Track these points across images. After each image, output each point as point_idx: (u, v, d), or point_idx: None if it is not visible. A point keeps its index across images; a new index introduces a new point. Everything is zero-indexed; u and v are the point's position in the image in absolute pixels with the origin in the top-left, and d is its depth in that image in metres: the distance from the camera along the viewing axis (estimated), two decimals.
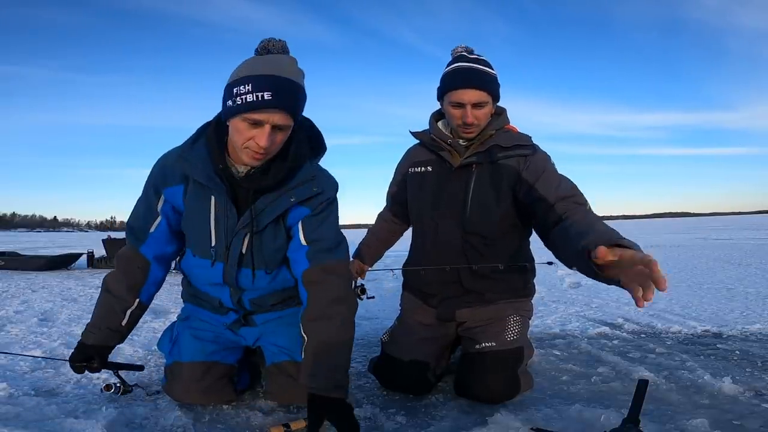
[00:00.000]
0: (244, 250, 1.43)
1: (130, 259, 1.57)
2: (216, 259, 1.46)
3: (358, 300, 1.78)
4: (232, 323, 1.70)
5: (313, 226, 1.41)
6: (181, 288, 1.84)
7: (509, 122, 1.78)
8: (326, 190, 1.44)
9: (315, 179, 1.41)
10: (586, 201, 1.54)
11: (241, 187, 1.37)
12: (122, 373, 1.69)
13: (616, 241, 1.07)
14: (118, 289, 1.56)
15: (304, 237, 1.41)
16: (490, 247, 1.77)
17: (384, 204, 2.15)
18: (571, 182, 1.61)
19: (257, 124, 1.21)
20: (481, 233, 1.75)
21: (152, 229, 1.52)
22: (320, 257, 1.40)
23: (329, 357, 1.32)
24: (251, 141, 1.23)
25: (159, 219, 1.50)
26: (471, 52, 1.69)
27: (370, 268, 2.12)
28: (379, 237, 2.13)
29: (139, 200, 1.53)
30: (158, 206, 1.48)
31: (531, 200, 1.61)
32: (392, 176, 2.06)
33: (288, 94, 1.21)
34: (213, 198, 1.39)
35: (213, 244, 1.44)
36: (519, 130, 1.79)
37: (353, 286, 1.98)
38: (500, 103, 1.77)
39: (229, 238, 1.41)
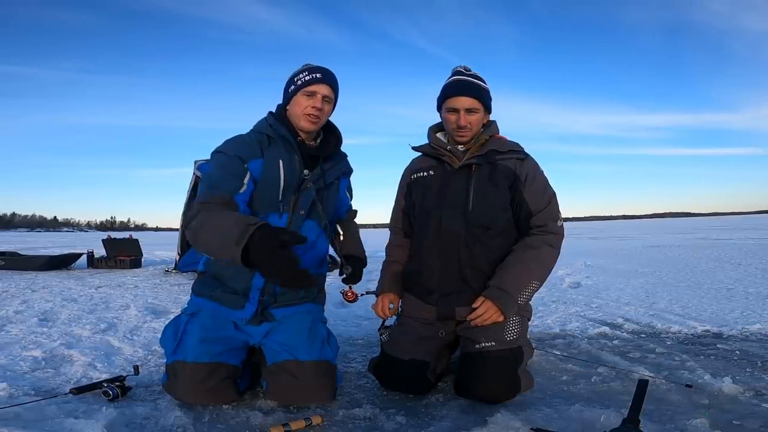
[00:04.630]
0: (312, 202, 1.75)
1: (226, 202, 1.59)
2: (283, 211, 1.71)
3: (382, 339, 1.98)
4: (251, 318, 1.69)
5: (351, 195, 2.05)
6: (180, 289, 1.84)
7: (499, 132, 1.93)
8: (350, 165, 1.99)
9: (347, 157, 1.96)
10: (550, 222, 1.82)
11: (307, 156, 1.76)
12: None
13: (486, 293, 1.74)
14: (222, 206, 1.56)
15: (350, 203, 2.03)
16: (492, 239, 1.82)
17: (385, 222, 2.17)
18: (552, 194, 1.86)
19: (312, 94, 1.70)
20: (484, 224, 1.81)
21: (241, 191, 1.66)
22: (350, 212, 2.08)
23: (358, 240, 2.04)
24: (308, 107, 1.70)
25: (245, 187, 1.67)
26: (468, 69, 1.89)
27: (401, 298, 1.99)
28: (399, 262, 2.04)
29: (213, 174, 1.66)
30: (245, 179, 1.67)
31: (519, 200, 1.83)
32: (396, 196, 2.09)
33: (331, 76, 1.76)
34: (281, 161, 1.70)
35: (280, 198, 1.70)
36: (508, 139, 1.94)
37: (381, 326, 1.99)
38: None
39: (298, 193, 1.72)
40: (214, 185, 1.62)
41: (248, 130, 1.79)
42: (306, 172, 1.74)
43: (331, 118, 1.85)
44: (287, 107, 1.77)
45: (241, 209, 1.64)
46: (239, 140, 1.73)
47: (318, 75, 1.71)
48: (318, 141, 1.82)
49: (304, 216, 1.74)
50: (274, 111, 1.82)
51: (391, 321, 2.00)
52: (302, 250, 1.69)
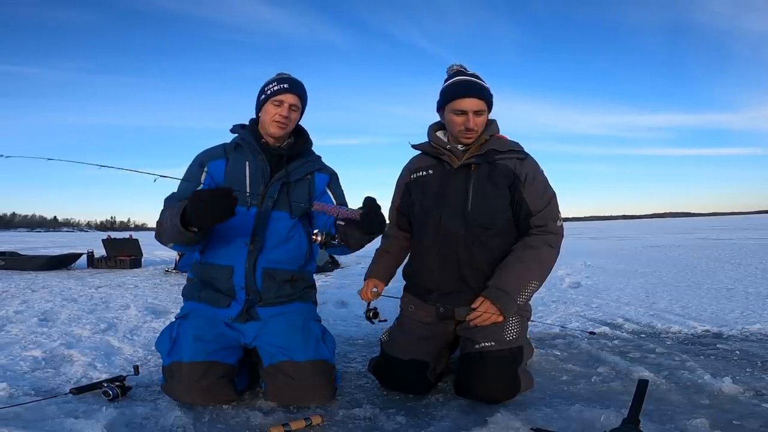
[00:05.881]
0: (277, 195, 1.82)
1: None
2: (250, 204, 1.78)
3: (369, 323, 2.01)
4: (237, 316, 1.72)
5: (337, 194, 1.97)
6: (180, 289, 1.85)
7: (499, 131, 1.92)
8: (329, 166, 2.02)
9: (321, 158, 2.01)
10: (550, 222, 1.81)
11: (275, 156, 1.86)
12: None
13: (486, 293, 1.73)
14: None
15: (336, 201, 1.92)
16: (491, 239, 1.82)
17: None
18: (552, 194, 1.85)
19: (280, 103, 1.82)
20: (483, 224, 1.80)
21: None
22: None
23: None
24: (277, 115, 1.82)
25: (201, 186, 1.80)
26: (466, 68, 1.89)
27: (386, 286, 2.07)
28: (390, 252, 2.07)
29: (182, 180, 1.84)
30: (201, 177, 1.83)
31: (519, 200, 1.82)
32: (393, 193, 2.09)
33: (298, 86, 1.86)
34: (248, 162, 1.84)
35: (248, 192, 1.79)
36: (509, 138, 1.93)
37: (366, 309, 2.01)
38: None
39: (265, 188, 1.81)
40: (174, 193, 1.80)
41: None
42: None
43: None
44: (259, 115, 1.89)
45: None
46: (207, 149, 1.91)
47: (285, 85, 1.83)
48: (286, 143, 1.91)
49: (271, 206, 1.80)
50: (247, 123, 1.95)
51: (375, 303, 2.03)
52: (275, 242, 1.78)
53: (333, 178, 1.98)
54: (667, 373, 1.99)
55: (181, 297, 1.88)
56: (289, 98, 1.82)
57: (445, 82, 1.88)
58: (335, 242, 1.72)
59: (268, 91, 1.83)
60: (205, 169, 1.83)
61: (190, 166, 1.86)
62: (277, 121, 1.81)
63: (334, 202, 1.90)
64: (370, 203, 1.63)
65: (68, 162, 1.90)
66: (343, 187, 2.00)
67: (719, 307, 3.47)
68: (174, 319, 1.79)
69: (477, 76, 1.85)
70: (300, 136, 1.97)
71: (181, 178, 1.82)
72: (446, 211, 1.83)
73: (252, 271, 1.74)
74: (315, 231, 1.72)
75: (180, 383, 1.61)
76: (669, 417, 1.54)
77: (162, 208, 1.74)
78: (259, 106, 1.88)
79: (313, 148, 1.99)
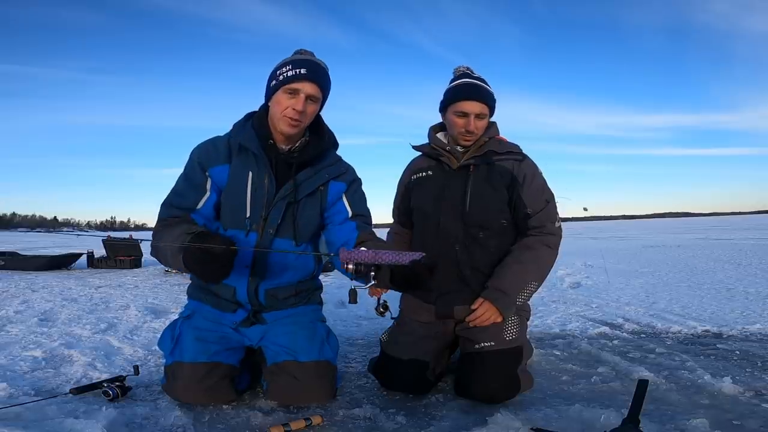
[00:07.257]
0: (281, 220, 1.57)
1: (181, 220, 1.55)
2: (250, 229, 1.57)
3: (380, 316, 1.89)
4: (242, 321, 1.69)
5: (356, 202, 1.70)
6: (180, 289, 1.84)
7: (499, 133, 1.93)
8: (351, 170, 1.75)
9: (341, 160, 1.73)
10: (548, 223, 1.82)
11: (282, 163, 1.58)
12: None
13: (485, 294, 1.74)
14: (178, 223, 1.52)
15: (351, 210, 1.67)
16: (489, 240, 1.83)
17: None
18: (550, 195, 1.86)
19: (294, 93, 1.49)
20: (480, 224, 1.82)
21: (200, 205, 1.60)
22: (365, 228, 1.69)
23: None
24: (289, 109, 1.49)
25: (208, 195, 1.60)
26: (472, 71, 1.89)
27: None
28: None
29: (179, 181, 1.62)
30: (207, 185, 1.60)
31: (517, 201, 1.83)
32: (395, 192, 2.10)
33: (319, 71, 1.53)
34: (250, 173, 1.57)
35: (248, 215, 1.56)
36: (508, 140, 1.95)
37: (377, 303, 1.96)
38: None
39: (267, 209, 1.56)
40: (174, 200, 1.60)
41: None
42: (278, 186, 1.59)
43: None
44: (269, 104, 1.59)
45: (201, 223, 1.59)
46: (209, 144, 1.63)
47: (303, 71, 1.48)
48: (299, 143, 1.63)
49: (272, 234, 1.59)
50: (257, 110, 1.67)
51: (385, 296, 2.00)
52: (278, 270, 1.67)
53: (351, 185, 1.71)
54: (667, 373, 1.99)
55: (181, 297, 1.87)
56: (307, 87, 1.49)
57: (451, 83, 1.89)
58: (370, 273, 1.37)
59: (281, 77, 1.50)
60: (208, 173, 1.60)
61: (190, 164, 1.64)
62: (289, 117, 1.51)
63: (349, 212, 1.68)
64: (430, 265, 1.26)
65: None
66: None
67: (719, 307, 3.47)
68: (177, 317, 1.77)
69: (482, 80, 1.86)
70: (317, 131, 1.66)
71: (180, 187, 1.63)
72: (445, 212, 1.84)
73: (254, 292, 1.67)
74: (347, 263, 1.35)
75: (181, 383, 1.61)
76: (669, 417, 1.53)
77: (158, 215, 1.60)
78: (270, 93, 1.56)
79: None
